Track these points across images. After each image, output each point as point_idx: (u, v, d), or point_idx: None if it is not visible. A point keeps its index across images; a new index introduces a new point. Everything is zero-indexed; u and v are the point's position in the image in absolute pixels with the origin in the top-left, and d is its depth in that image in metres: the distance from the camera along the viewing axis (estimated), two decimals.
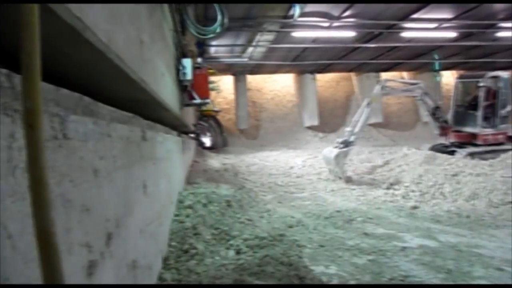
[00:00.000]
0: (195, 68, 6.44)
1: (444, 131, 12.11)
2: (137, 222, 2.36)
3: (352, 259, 4.58)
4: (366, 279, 4.01)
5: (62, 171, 1.25)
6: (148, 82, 2.47)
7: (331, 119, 19.72)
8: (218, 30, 6.10)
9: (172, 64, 4.93)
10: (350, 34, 12.15)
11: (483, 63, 18.12)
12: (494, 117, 11.68)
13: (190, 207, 4.96)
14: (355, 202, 7.74)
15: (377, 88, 10.53)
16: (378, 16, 10.93)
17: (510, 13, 11.43)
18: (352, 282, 3.97)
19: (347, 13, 10.59)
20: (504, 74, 12.13)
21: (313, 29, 11.69)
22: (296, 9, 9.07)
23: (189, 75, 5.59)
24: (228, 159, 13.34)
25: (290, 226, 5.83)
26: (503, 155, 9.83)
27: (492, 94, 11.67)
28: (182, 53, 5.91)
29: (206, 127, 15.85)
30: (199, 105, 8.07)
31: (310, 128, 18.88)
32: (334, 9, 10.38)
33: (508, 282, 3.91)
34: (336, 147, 9.88)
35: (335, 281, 4.00)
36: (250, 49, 13.56)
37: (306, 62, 16.18)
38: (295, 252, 4.48)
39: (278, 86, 20.08)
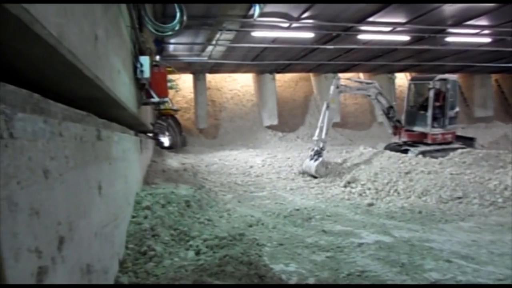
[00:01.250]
0: (153, 66, 6.29)
1: (397, 130, 12.61)
2: (92, 224, 2.27)
3: (311, 256, 4.65)
4: (325, 276, 4.10)
5: (8, 172, 1.18)
6: (104, 79, 2.38)
7: (290, 118, 19.98)
8: (176, 28, 5.98)
9: (129, 62, 4.79)
10: (309, 35, 12.36)
11: (434, 66, 19.02)
12: (443, 118, 12.29)
13: (148, 208, 4.84)
14: (313, 200, 7.88)
15: (332, 88, 10.80)
16: (336, 18, 11.19)
17: (458, 20, 12.06)
18: (311, 279, 4.03)
19: (306, 14, 10.75)
20: (452, 77, 12.81)
21: (272, 29, 11.78)
22: (256, 9, 9.11)
23: (147, 73, 5.45)
24: (187, 158, 13.18)
25: (250, 225, 5.84)
26: (451, 154, 10.37)
27: (441, 95, 12.27)
28: (139, 50, 5.76)
29: (165, 127, 15.54)
30: (157, 104, 7.91)
31: (270, 127, 19.03)
32: (293, 10, 10.51)
33: (455, 272, 4.12)
34: (311, 159, 10.26)
35: (294, 279, 4.05)
36: (210, 48, 13.46)
37: (266, 62, 16.29)
38: (255, 251, 4.49)
39: (238, 85, 20.08)
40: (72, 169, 1.88)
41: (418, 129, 12.39)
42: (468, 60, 18.53)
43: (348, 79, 12.70)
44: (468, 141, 13.11)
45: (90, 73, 1.96)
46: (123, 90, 3.80)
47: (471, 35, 13.87)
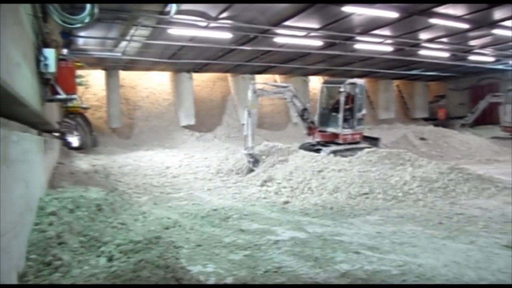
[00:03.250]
0: (60, 60, 5.82)
1: (311, 131, 13.22)
2: None
3: (229, 255, 4.67)
4: (243, 274, 4.13)
5: None
6: None
7: (207, 118, 19.89)
8: (87, 20, 5.60)
9: (31, 54, 4.36)
10: (227, 35, 12.42)
11: (344, 71, 20.31)
12: (353, 119, 13.19)
13: (53, 213, 4.45)
14: (231, 200, 7.91)
15: (250, 94, 10.97)
16: (253, 20, 11.39)
17: (365, 29, 13.02)
18: (229, 278, 4.04)
19: (224, 14, 10.78)
20: (360, 81, 13.80)
21: (190, 28, 11.62)
22: (173, 6, 8.91)
23: (52, 67, 5.02)
24: (99, 160, 12.43)
25: (167, 228, 5.69)
26: (359, 153, 11.14)
27: (350, 98, 13.15)
28: (44, 42, 5.28)
29: (73, 126, 14.46)
30: (65, 101, 7.34)
31: (187, 127, 18.74)
32: (211, 9, 10.47)
33: (363, 262, 4.43)
34: (251, 169, 10.46)
35: (212, 279, 4.03)
36: (124, 43, 12.86)
37: (183, 60, 16.02)
38: (172, 254, 4.37)
39: (153, 83, 19.44)
40: None
41: (330, 129, 13.12)
42: (374, 67, 20.16)
43: (264, 83, 12.99)
44: (373, 141, 14.23)
45: None
46: (24, 85, 3.45)
47: (376, 44, 15.06)
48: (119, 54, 13.98)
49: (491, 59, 19.27)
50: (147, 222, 5.99)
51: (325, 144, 12.94)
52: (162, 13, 10.02)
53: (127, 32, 11.68)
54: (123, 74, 18.02)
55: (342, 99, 12.90)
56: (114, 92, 17.35)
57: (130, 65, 17.01)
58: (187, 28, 11.56)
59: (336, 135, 13.07)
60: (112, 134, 17.45)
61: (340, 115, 12.89)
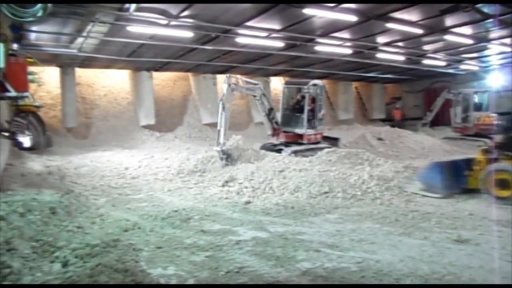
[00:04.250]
0: (10, 55, 5.52)
1: (275, 131, 13.31)
2: None
3: (190, 257, 4.63)
4: (204, 275, 4.11)
5: None
6: None
7: (168, 118, 19.53)
8: (39, 14, 5.34)
9: None
10: (188, 34, 12.25)
11: (305, 72, 20.61)
12: (314, 120, 13.44)
13: (1, 218, 4.22)
14: (192, 200, 7.83)
15: (225, 87, 10.89)
16: (215, 19, 11.30)
17: (325, 31, 13.28)
18: (191, 280, 4.00)
19: (185, 13, 10.63)
20: (320, 82, 14.10)
21: (150, 26, 11.35)
22: (132, 4, 8.69)
23: (0, 63, 4.75)
24: (53, 161, 11.90)
25: (126, 230, 5.56)
26: (319, 153, 11.37)
27: (312, 99, 13.39)
28: None
29: (25, 125, 13.72)
30: (15, 98, 6.97)
31: (147, 127, 18.30)
32: (172, 7, 10.30)
33: (323, 260, 4.52)
34: (226, 164, 10.33)
35: (173, 282, 3.97)
36: (80, 39, 12.38)
37: (143, 58, 15.65)
38: (131, 257, 4.27)
39: (112, 82, 18.82)
40: None
41: (294, 130, 13.28)
42: (333, 68, 20.62)
43: (236, 77, 12.81)
44: (333, 141, 14.57)
45: None
46: None
47: (336, 46, 15.40)
48: (75, 51, 13.44)
49: (443, 63, 20.23)
50: (105, 224, 5.82)
51: (287, 144, 13.07)
52: (121, 9, 9.74)
53: (83, 28, 11.25)
54: (79, 72, 17.32)
55: (306, 100, 13.12)
56: (69, 90, 16.61)
57: (87, 63, 16.38)
58: (147, 25, 11.28)
59: (300, 136, 13.26)
60: (67, 134, 16.73)
61: (305, 116, 13.11)
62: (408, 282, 3.95)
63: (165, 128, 18.90)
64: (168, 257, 4.60)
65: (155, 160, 12.24)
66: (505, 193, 7.29)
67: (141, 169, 11.15)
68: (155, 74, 19.00)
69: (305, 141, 13.13)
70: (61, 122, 16.62)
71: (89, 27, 10.99)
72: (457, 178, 8.23)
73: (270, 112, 12.97)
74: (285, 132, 13.34)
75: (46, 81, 16.86)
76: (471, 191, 8.04)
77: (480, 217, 6.48)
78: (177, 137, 18.28)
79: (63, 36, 12.28)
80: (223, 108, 10.70)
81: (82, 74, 17.69)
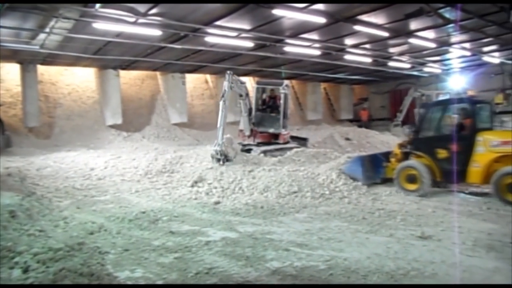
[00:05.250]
0: None
1: (252, 132, 13.26)
2: None
3: (158, 259, 4.56)
4: (173, 277, 4.05)
5: None
6: None
7: (135, 117, 19.14)
8: None
9: None
10: (157, 32, 12.04)
11: (274, 72, 20.72)
12: (285, 119, 13.59)
13: None
14: (160, 201, 7.72)
15: (226, 85, 10.52)
16: (184, 18, 11.17)
17: (294, 32, 13.40)
18: (159, 282, 3.94)
19: (153, 11, 10.45)
20: (289, 83, 14.27)
21: (117, 23, 11.07)
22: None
23: None
24: (13, 162, 11.40)
25: (91, 233, 5.41)
26: (288, 153, 11.47)
27: (279, 99, 13.52)
28: None
29: None
30: None
31: (113, 126, 17.84)
32: (140, 5, 10.09)
33: (293, 259, 4.55)
34: (221, 164, 9.81)
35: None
36: (43, 35, 11.90)
37: (110, 56, 15.26)
38: (97, 260, 4.16)
39: (77, 80, 18.24)
40: None
41: (269, 130, 13.33)
42: (302, 69, 20.85)
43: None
44: (302, 141, 14.73)
45: None
46: None
47: (305, 47, 15.57)
48: (36, 47, 12.91)
49: (408, 65, 20.87)
50: (69, 228, 5.64)
51: (259, 144, 13.09)
52: (86, 5, 9.46)
53: (46, 24, 10.83)
54: (41, 69, 16.67)
55: (282, 100, 13.33)
56: (31, 88, 15.93)
57: (49, 60, 15.80)
58: (114, 23, 11.00)
59: (276, 136, 13.37)
60: (28, 134, 16.06)
61: (281, 116, 13.25)
62: (375, 278, 4.04)
63: (132, 128, 18.52)
64: (136, 260, 4.51)
65: (122, 160, 11.97)
66: (413, 187, 8.25)
67: (107, 170, 10.87)
68: (122, 73, 18.58)
69: (281, 141, 13.26)
70: (22, 122, 15.94)
71: (52, 23, 10.59)
72: (376, 169, 9.29)
73: (250, 112, 12.95)
74: (260, 132, 13.36)
75: (6, 78, 16.17)
76: (389, 180, 9.00)
77: (442, 214, 6.73)
78: (145, 137, 17.96)
79: (23, 31, 11.79)
80: (224, 106, 10.41)
81: (44, 71, 17.06)
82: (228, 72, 10.86)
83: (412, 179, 8.29)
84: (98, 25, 10.88)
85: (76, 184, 9.21)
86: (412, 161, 8.54)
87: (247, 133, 13.27)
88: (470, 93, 18.41)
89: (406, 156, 8.80)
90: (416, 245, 5.11)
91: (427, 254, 4.74)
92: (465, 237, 5.40)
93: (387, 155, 9.36)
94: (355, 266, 4.33)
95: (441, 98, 19.69)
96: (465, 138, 7.82)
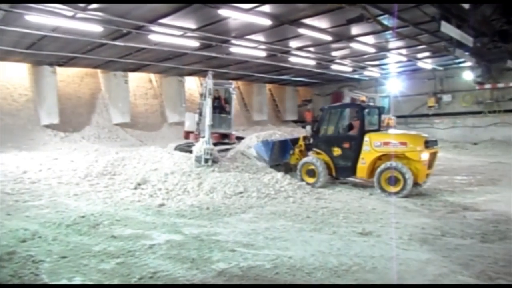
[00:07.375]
0: None
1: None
2: None
3: (99, 265, 4.35)
4: (115, 284, 3.88)
5: None
6: None
7: (74, 117, 18.16)
8: None
9: None
10: (97, 28, 11.48)
11: (220, 73, 20.62)
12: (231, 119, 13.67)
13: None
14: (101, 205, 7.38)
15: (210, 84, 10.73)
16: (127, 15, 10.77)
17: (240, 33, 13.42)
18: None
19: (94, 5, 9.96)
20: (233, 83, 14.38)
21: (54, 16, 10.42)
22: None
23: None
24: None
25: (23, 241, 5.05)
26: (230, 152, 11.51)
27: (225, 100, 13.53)
28: None
29: None
30: None
31: (49, 126, 16.80)
32: None
33: (239, 259, 4.55)
34: (206, 161, 9.59)
35: None
36: None
37: (45, 52, 14.36)
38: (30, 270, 3.90)
39: (7, 76, 16.93)
40: None
41: (219, 130, 13.26)
42: (248, 70, 20.95)
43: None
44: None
45: None
46: None
47: (251, 48, 15.66)
48: None
49: (349, 69, 21.70)
50: None
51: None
52: None
53: None
54: None
55: (234, 100, 13.61)
56: None
57: None
58: (50, 15, 10.34)
59: (227, 136, 13.44)
60: None
61: (232, 116, 13.46)
62: (319, 275, 4.14)
63: (70, 128, 17.56)
64: (74, 267, 4.27)
65: (59, 162, 11.32)
66: (311, 180, 9.39)
67: (42, 173, 10.22)
68: (59, 70, 17.56)
69: (232, 141, 13.31)
70: None
71: None
72: (283, 154, 10.80)
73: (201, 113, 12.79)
74: (212, 133, 13.24)
75: None
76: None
77: (381, 211, 7.08)
78: (85, 138, 17.12)
79: None
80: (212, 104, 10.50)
81: None
82: (211, 71, 11.45)
83: (311, 173, 9.47)
84: (32, 17, 10.19)
85: (7, 189, 8.53)
86: (311, 158, 9.69)
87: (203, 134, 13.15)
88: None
89: (308, 148, 10.13)
90: (357, 241, 5.32)
91: (368, 249, 4.95)
92: (402, 232, 5.72)
93: (296, 142, 10.55)
94: (300, 264, 4.42)
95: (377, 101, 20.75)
96: (355, 138, 9.14)
